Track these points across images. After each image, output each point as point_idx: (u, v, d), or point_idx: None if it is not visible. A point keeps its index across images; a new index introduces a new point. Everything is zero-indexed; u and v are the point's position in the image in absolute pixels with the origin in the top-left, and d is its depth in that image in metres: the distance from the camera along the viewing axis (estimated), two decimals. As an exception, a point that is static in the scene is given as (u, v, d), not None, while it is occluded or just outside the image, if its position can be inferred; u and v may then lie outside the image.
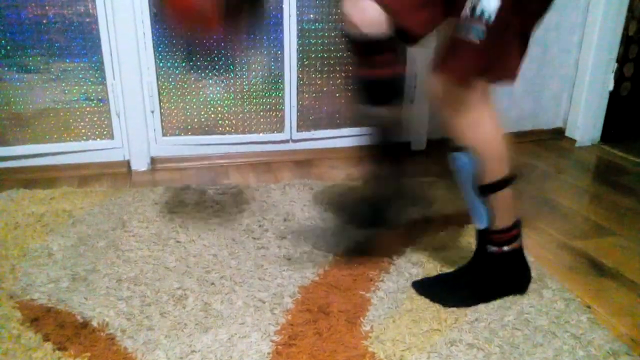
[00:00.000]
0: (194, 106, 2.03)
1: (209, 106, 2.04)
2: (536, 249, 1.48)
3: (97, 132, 1.97)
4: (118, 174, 1.98)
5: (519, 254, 1.22)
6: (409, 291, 1.26)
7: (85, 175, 1.94)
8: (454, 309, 1.20)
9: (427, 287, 1.27)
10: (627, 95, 2.47)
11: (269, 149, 2.15)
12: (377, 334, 1.11)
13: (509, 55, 1.04)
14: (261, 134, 2.13)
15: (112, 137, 1.98)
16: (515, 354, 1.07)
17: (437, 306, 1.20)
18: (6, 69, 1.82)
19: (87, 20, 1.84)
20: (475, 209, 1.17)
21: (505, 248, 1.19)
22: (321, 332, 1.12)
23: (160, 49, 1.93)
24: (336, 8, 2.04)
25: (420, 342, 1.09)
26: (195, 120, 2.04)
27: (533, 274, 1.27)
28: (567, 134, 2.51)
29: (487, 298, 1.22)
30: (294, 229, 1.55)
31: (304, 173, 2.03)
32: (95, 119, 1.95)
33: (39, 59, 1.84)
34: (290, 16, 1.99)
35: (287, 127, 2.14)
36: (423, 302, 1.22)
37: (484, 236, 1.20)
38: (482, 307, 1.20)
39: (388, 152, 1.37)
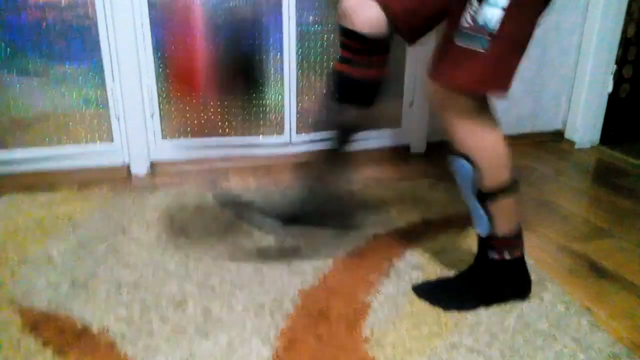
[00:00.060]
0: (194, 109, 2.03)
1: (208, 109, 2.04)
2: (536, 251, 1.48)
3: (96, 136, 1.97)
4: (118, 177, 1.98)
5: (520, 262, 1.22)
6: (409, 295, 1.26)
7: (85, 179, 1.94)
8: (455, 312, 1.19)
9: (428, 291, 1.26)
10: (626, 97, 2.47)
11: (268, 152, 2.15)
12: (378, 338, 1.11)
13: (509, 66, 1.03)
14: (261, 137, 2.13)
15: (111, 140, 1.97)
16: (515, 357, 1.07)
17: (438, 310, 1.20)
18: (6, 72, 1.82)
19: (87, 23, 1.84)
20: (476, 215, 1.17)
21: (507, 255, 1.19)
22: (321, 336, 1.11)
23: (159, 52, 1.93)
24: (335, 10, 2.05)
25: (421, 346, 1.09)
26: (195, 123, 2.04)
27: (533, 277, 1.27)
28: (566, 135, 2.52)
29: (487, 302, 1.22)
30: (294, 233, 1.55)
31: (304, 175, 2.03)
32: (94, 122, 1.95)
33: (38, 62, 1.84)
34: (289, 19, 1.99)
35: (286, 129, 2.14)
36: (423, 305, 1.22)
37: (484, 242, 1.20)
38: (482, 310, 1.20)
39: (339, 157, 1.34)
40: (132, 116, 1.95)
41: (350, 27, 1.13)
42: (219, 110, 2.05)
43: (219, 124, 2.06)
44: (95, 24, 1.84)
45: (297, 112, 2.13)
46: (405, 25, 1.13)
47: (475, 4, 0.98)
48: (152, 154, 2.03)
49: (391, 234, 1.56)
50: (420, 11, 1.11)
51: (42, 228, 1.55)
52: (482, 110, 1.09)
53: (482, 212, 1.15)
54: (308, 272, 1.35)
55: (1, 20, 1.76)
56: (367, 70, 1.17)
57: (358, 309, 1.21)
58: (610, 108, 2.46)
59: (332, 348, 1.08)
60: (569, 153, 2.40)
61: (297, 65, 2.07)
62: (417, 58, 2.17)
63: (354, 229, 1.50)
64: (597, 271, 1.41)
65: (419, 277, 1.33)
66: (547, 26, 2.33)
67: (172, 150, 2.05)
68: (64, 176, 1.94)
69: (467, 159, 1.10)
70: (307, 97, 2.13)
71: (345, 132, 1.28)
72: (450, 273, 1.34)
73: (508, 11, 0.96)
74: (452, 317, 1.18)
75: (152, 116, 1.98)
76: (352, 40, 1.14)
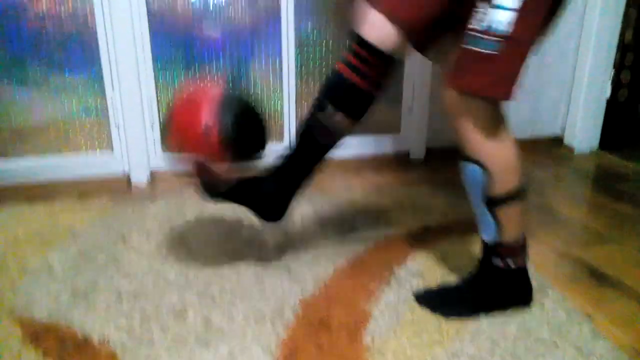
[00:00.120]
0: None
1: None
2: (536, 257, 1.48)
3: (96, 144, 1.97)
4: (118, 186, 1.98)
5: (523, 271, 1.22)
6: (409, 302, 1.26)
7: (85, 189, 1.94)
8: (456, 320, 1.19)
9: (429, 299, 1.26)
10: (624, 101, 2.48)
11: (268, 159, 2.14)
12: (379, 347, 1.11)
13: (516, 71, 1.03)
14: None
15: (111, 149, 1.98)
16: (517, 365, 1.07)
17: (439, 317, 1.20)
18: (6, 82, 1.82)
19: (86, 33, 1.85)
20: (483, 221, 1.17)
21: (511, 263, 1.19)
22: (322, 345, 1.11)
23: (159, 61, 1.93)
24: (334, 18, 2.06)
25: (422, 354, 1.09)
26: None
27: (533, 283, 1.27)
28: (565, 141, 2.52)
29: (488, 310, 1.22)
30: (294, 241, 1.55)
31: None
32: (94, 131, 1.95)
33: (38, 72, 1.84)
34: (288, 26, 2.00)
35: (286, 136, 2.14)
36: (424, 313, 1.22)
37: (489, 249, 1.20)
38: (483, 318, 1.20)
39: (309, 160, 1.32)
40: (132, 125, 1.95)
41: (364, 37, 1.13)
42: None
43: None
44: (95, 34, 1.85)
45: (297, 119, 2.13)
46: (411, 31, 1.13)
47: (484, 8, 0.99)
48: (152, 163, 2.03)
49: (392, 241, 1.56)
50: (424, 16, 1.12)
51: (42, 238, 1.55)
52: (497, 115, 1.10)
53: (490, 218, 1.15)
54: (308, 280, 1.35)
55: (1, 30, 1.77)
56: (369, 82, 1.17)
57: (359, 318, 1.21)
58: (609, 113, 2.46)
59: (333, 357, 1.08)
60: (568, 158, 2.41)
61: (296, 72, 2.07)
62: (415, 64, 2.18)
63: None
64: (598, 277, 1.41)
65: (419, 284, 1.33)
66: (544, 32, 2.34)
67: (172, 159, 2.04)
68: (63, 186, 1.94)
69: (479, 164, 1.10)
70: (306, 104, 2.13)
71: (319, 135, 1.26)
72: (451, 280, 1.34)
73: (517, 14, 0.96)
74: (453, 325, 1.18)
75: (152, 126, 1.98)
76: (363, 50, 1.15)
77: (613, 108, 2.46)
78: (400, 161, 2.29)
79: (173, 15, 1.92)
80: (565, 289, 1.34)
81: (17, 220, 1.67)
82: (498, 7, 0.97)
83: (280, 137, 2.14)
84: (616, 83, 2.43)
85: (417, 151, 2.32)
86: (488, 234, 1.18)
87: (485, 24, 0.98)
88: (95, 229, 1.62)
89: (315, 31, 2.06)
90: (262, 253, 1.48)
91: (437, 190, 1.95)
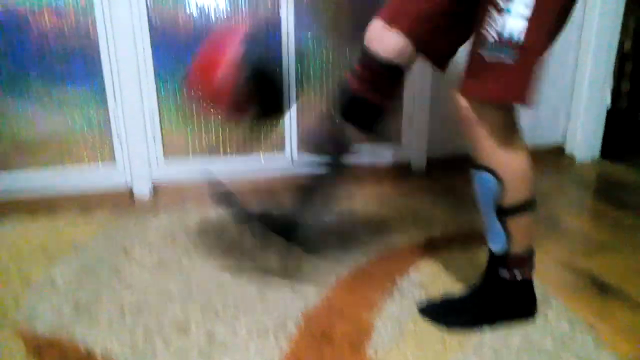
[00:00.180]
0: (195, 130, 2.04)
1: (210, 129, 2.05)
2: (539, 267, 1.46)
3: (98, 157, 1.98)
4: (120, 199, 1.98)
5: (528, 283, 1.22)
6: (412, 314, 1.26)
7: (88, 201, 1.94)
8: (459, 332, 1.19)
9: (432, 310, 1.26)
10: (624, 110, 2.49)
11: (269, 170, 2.15)
12: (381, 359, 1.11)
13: (535, 77, 1.03)
14: (262, 156, 2.14)
15: (114, 162, 1.98)
16: (520, 377, 1.06)
17: (442, 329, 1.20)
18: (9, 95, 1.84)
19: (89, 46, 1.86)
20: (493, 231, 1.16)
21: (517, 275, 1.18)
22: (325, 358, 1.11)
23: (160, 73, 1.95)
24: (335, 28, 2.07)
25: (425, 367, 1.09)
26: (197, 143, 2.05)
27: (537, 294, 1.26)
28: (566, 150, 2.52)
29: (492, 322, 1.21)
30: (297, 253, 1.55)
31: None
32: (97, 144, 1.96)
33: (40, 85, 1.85)
34: (288, 36, 2.01)
35: (287, 148, 2.15)
36: (427, 325, 1.22)
37: (497, 259, 1.19)
38: (486, 330, 1.20)
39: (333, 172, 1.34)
40: (134, 138, 1.96)
41: (373, 52, 1.14)
42: (219, 130, 2.06)
43: (221, 144, 2.08)
44: (97, 47, 1.86)
45: (298, 130, 2.14)
46: (418, 40, 1.15)
47: (496, 16, 1.00)
48: (154, 175, 2.03)
49: (394, 251, 1.56)
50: (426, 23, 1.14)
51: (44, 251, 1.56)
52: (511, 124, 1.10)
53: (500, 228, 1.15)
54: (311, 293, 1.35)
55: (3, 44, 1.78)
56: (379, 95, 1.19)
57: (361, 330, 1.20)
58: (610, 122, 2.47)
59: (336, 370, 1.08)
60: (570, 167, 2.41)
61: (296, 84, 2.08)
62: (415, 75, 2.19)
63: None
64: (601, 287, 1.40)
65: (422, 296, 1.33)
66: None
67: (173, 171, 2.06)
68: (66, 199, 1.94)
69: (492, 172, 1.10)
70: (307, 115, 2.14)
71: (339, 150, 1.29)
72: (454, 291, 1.34)
73: (531, 21, 0.97)
74: (456, 337, 1.17)
75: (154, 138, 1.99)
76: (372, 64, 1.16)
77: (614, 117, 2.47)
78: (401, 171, 2.29)
79: (174, 28, 1.93)
80: (568, 298, 1.34)
81: (19, 234, 1.68)
82: (511, 15, 0.98)
83: (281, 148, 2.14)
84: (616, 92, 2.43)
85: (418, 161, 2.32)
86: (497, 244, 1.17)
87: (499, 32, 0.99)
88: (97, 242, 1.62)
89: (315, 41, 2.07)
90: (265, 266, 1.48)
91: (438, 200, 1.95)
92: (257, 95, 1.22)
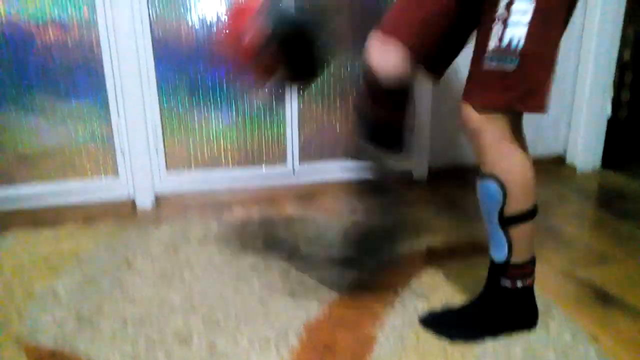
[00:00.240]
0: (197, 142, 2.05)
1: (211, 141, 2.07)
2: (540, 278, 1.47)
3: (101, 170, 1.99)
4: (123, 211, 1.99)
5: (529, 291, 1.22)
6: (414, 326, 1.26)
7: (90, 214, 1.95)
8: (461, 343, 1.19)
9: (433, 322, 1.26)
10: (625, 120, 2.49)
11: (271, 182, 2.16)
12: (384, 371, 1.11)
13: (542, 82, 1.04)
14: (264, 167, 2.15)
15: (117, 174, 2.00)
16: (522, 388, 1.06)
17: (444, 341, 1.20)
18: (13, 109, 1.85)
19: (92, 60, 1.88)
20: (495, 239, 1.17)
21: (519, 283, 1.18)
22: (327, 370, 1.11)
23: (163, 87, 1.96)
24: (337, 39, 2.08)
25: (427, 378, 1.09)
26: (199, 155, 2.07)
27: (538, 304, 1.27)
28: (567, 160, 2.53)
29: (494, 333, 1.21)
30: (298, 265, 1.55)
31: (307, 206, 2.05)
32: (100, 157, 1.97)
33: (44, 99, 1.87)
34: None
35: (289, 159, 2.16)
36: (429, 336, 1.22)
37: (498, 268, 1.19)
38: (488, 341, 1.20)
39: (385, 184, 1.36)
40: (136, 151, 1.98)
41: (373, 72, 1.16)
42: (222, 142, 2.07)
43: (223, 156, 2.09)
44: (101, 61, 1.88)
45: (300, 142, 2.15)
46: (415, 49, 1.16)
47: (495, 24, 1.01)
48: (156, 187, 2.04)
49: (395, 263, 1.57)
50: (424, 30, 1.15)
51: (47, 263, 1.56)
52: (515, 133, 1.11)
53: (502, 237, 1.15)
54: (313, 304, 1.35)
55: (8, 57, 1.80)
56: (393, 113, 1.21)
57: (363, 341, 1.20)
58: (610, 132, 2.47)
59: (338, 382, 1.08)
60: (571, 177, 2.41)
61: (298, 95, 2.10)
62: (417, 85, 2.20)
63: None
64: (602, 298, 1.40)
65: (424, 307, 1.33)
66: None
67: (176, 183, 2.07)
68: (69, 211, 1.95)
69: (497, 181, 1.11)
70: (308, 127, 2.15)
71: (379, 164, 1.30)
72: (456, 302, 1.34)
73: (532, 27, 0.98)
74: (458, 348, 1.17)
75: (156, 151, 2.01)
76: (376, 84, 1.18)
77: (614, 126, 2.48)
78: (403, 182, 2.30)
79: (177, 40, 1.95)
80: (570, 309, 1.34)
81: (22, 246, 1.68)
82: (510, 22, 0.99)
83: (283, 160, 2.15)
84: (616, 101, 2.44)
85: (420, 172, 2.33)
86: (499, 252, 1.17)
87: (500, 40, 1.00)
88: (100, 253, 1.63)
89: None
90: (267, 276, 1.49)
91: (440, 210, 1.96)
92: (285, 55, 1.19)
